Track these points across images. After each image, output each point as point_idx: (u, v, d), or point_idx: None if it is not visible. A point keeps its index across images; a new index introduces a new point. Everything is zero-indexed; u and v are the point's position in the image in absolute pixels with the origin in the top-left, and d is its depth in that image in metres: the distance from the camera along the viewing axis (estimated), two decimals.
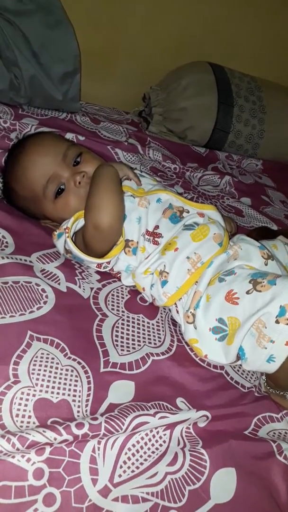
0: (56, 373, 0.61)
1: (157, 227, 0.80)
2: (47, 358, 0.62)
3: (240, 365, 0.74)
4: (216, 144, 1.52)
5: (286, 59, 1.78)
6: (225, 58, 1.60)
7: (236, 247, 0.79)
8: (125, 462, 0.56)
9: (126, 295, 0.80)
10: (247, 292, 0.69)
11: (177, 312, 0.77)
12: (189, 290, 0.76)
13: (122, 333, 0.72)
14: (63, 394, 0.60)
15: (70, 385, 0.61)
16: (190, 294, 0.75)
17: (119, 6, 1.45)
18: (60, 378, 0.61)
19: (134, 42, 1.54)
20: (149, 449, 0.58)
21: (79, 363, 0.64)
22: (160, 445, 0.59)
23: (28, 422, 0.55)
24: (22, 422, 0.55)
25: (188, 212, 0.83)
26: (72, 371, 0.63)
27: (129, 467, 0.56)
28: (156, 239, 0.80)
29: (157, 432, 0.60)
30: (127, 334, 0.72)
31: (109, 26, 1.48)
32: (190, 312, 0.74)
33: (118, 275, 0.82)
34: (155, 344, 0.73)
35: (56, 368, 0.62)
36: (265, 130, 1.54)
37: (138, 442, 0.58)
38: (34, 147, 0.84)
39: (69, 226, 0.77)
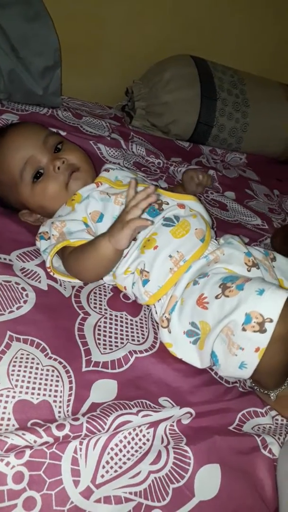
0: (36, 373, 0.60)
1: None
2: (27, 358, 0.61)
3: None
4: (199, 138, 1.51)
5: (268, 52, 1.77)
6: (207, 52, 1.58)
7: (218, 252, 0.77)
8: (107, 462, 0.55)
9: (109, 293, 0.79)
10: (216, 297, 0.67)
11: (156, 312, 0.77)
12: (169, 291, 0.75)
13: (105, 331, 0.71)
14: (44, 395, 0.59)
15: (51, 385, 0.60)
16: (169, 296, 0.74)
17: (101, 0, 1.42)
18: (41, 379, 0.60)
19: (116, 36, 1.52)
20: (132, 448, 0.57)
21: (60, 362, 0.63)
22: (144, 443, 0.59)
23: (8, 425, 0.54)
24: (1, 425, 0.54)
25: (167, 204, 0.81)
26: (53, 371, 0.62)
27: (111, 467, 0.55)
28: None
29: (140, 431, 0.59)
30: (110, 332, 0.72)
31: (91, 19, 1.45)
32: (165, 316, 0.73)
33: None
34: (138, 341, 0.73)
35: (37, 368, 0.61)
36: (249, 123, 1.53)
37: (121, 441, 0.57)
38: (14, 132, 0.84)
39: (49, 265, 0.75)
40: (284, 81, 1.71)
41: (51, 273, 0.76)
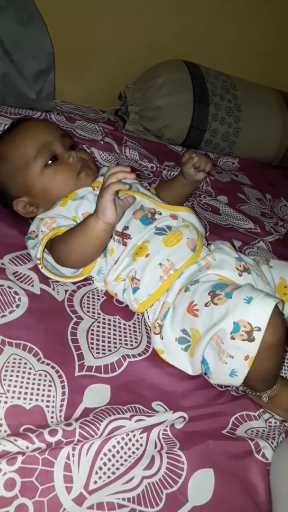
0: (29, 378, 0.60)
1: (126, 227, 0.79)
2: (19, 363, 0.61)
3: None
4: (192, 142, 1.51)
5: (260, 57, 1.79)
6: (200, 57, 1.59)
7: (209, 258, 0.77)
8: (100, 468, 0.55)
9: (102, 297, 0.79)
10: (205, 305, 0.67)
11: (149, 318, 0.77)
12: (161, 297, 0.74)
13: (98, 335, 0.71)
14: (36, 400, 0.58)
15: (43, 390, 0.59)
16: (161, 301, 0.74)
17: (93, 3, 1.43)
18: (33, 384, 0.60)
19: (110, 40, 1.52)
20: (125, 453, 0.57)
21: (53, 367, 0.63)
22: (137, 448, 0.58)
23: None
24: None
25: (160, 214, 0.81)
26: (45, 376, 0.61)
27: (104, 473, 0.54)
28: (124, 240, 0.78)
29: (134, 436, 0.59)
30: (103, 337, 0.71)
31: (84, 23, 1.45)
32: (157, 322, 0.72)
33: (91, 278, 0.81)
34: (131, 345, 0.72)
35: (29, 373, 0.60)
36: (241, 128, 1.54)
37: (114, 446, 0.57)
38: (36, 121, 0.91)
39: (39, 257, 0.74)
40: (275, 86, 1.73)
41: (40, 267, 0.74)
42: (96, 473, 0.54)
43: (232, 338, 0.61)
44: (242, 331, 0.61)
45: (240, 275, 0.74)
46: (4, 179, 0.82)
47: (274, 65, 1.83)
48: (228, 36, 1.69)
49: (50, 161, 0.81)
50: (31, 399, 0.58)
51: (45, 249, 0.76)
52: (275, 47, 1.80)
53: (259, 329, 0.60)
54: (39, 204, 0.82)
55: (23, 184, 0.81)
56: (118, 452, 0.57)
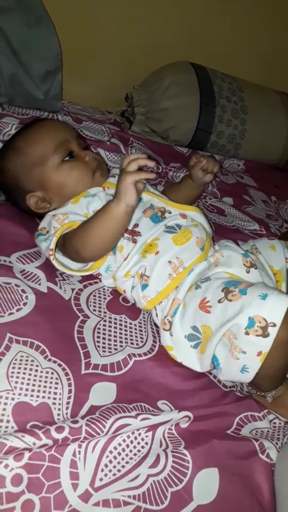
0: (36, 375, 0.60)
1: (136, 225, 0.80)
2: (26, 360, 0.61)
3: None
4: (198, 144, 1.52)
5: (266, 60, 1.79)
6: (207, 59, 1.60)
7: (218, 255, 0.78)
8: (106, 465, 0.55)
9: (108, 296, 0.79)
10: (219, 301, 0.68)
11: (157, 315, 0.77)
12: (170, 295, 0.75)
13: (104, 334, 0.71)
14: (43, 397, 0.58)
15: (50, 387, 0.60)
16: (170, 299, 0.75)
17: (100, 4, 1.44)
18: (40, 381, 0.60)
19: (116, 42, 1.53)
20: (130, 451, 0.57)
21: (59, 365, 0.63)
22: (142, 447, 0.59)
23: (7, 427, 0.54)
24: (0, 427, 0.54)
25: (170, 213, 0.82)
26: (52, 373, 0.62)
27: (110, 470, 0.55)
28: (134, 237, 0.79)
29: (139, 434, 0.59)
30: (109, 335, 0.72)
31: (91, 25, 1.46)
32: (167, 319, 0.73)
33: (99, 276, 0.81)
34: (137, 344, 0.73)
35: (36, 370, 0.61)
36: (247, 130, 1.55)
37: (119, 444, 0.57)
38: (55, 120, 0.96)
39: (52, 247, 0.74)
40: (279, 89, 1.73)
41: (51, 258, 0.74)
42: (102, 470, 0.54)
43: (247, 333, 0.62)
44: (257, 326, 0.62)
45: (248, 272, 0.75)
46: (20, 172, 0.82)
47: (278, 68, 1.84)
48: (233, 38, 1.69)
49: (67, 158, 0.82)
50: (38, 396, 0.58)
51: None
52: (279, 51, 1.80)
53: (274, 325, 0.61)
54: (52, 199, 0.83)
55: (38, 178, 0.81)
56: (123, 450, 0.57)
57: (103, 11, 1.46)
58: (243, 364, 0.65)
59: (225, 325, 0.65)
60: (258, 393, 0.71)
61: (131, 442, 0.58)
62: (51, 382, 0.60)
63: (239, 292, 0.66)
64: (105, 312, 0.75)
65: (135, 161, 0.69)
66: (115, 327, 0.73)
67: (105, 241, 0.75)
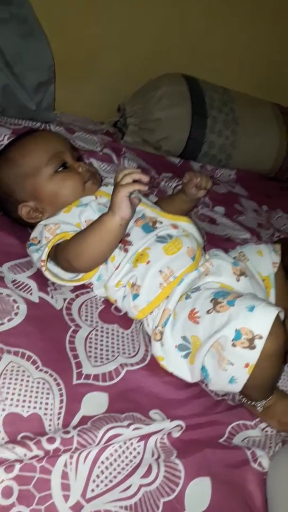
0: (27, 386, 0.60)
1: (128, 234, 0.80)
2: (17, 371, 0.61)
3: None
4: (190, 154, 1.53)
5: (257, 72, 1.82)
6: (198, 70, 1.62)
7: (207, 264, 0.78)
8: (98, 476, 0.55)
9: (100, 305, 0.79)
10: (207, 312, 0.68)
11: (148, 325, 0.77)
12: (161, 304, 0.75)
13: (96, 343, 0.71)
14: (34, 407, 0.58)
15: (41, 398, 0.60)
16: (161, 309, 0.75)
17: (94, 16, 1.46)
18: (31, 391, 0.60)
19: (108, 54, 1.55)
20: (122, 461, 0.57)
21: (51, 375, 0.63)
22: (134, 457, 0.58)
23: None
24: None
25: (161, 223, 0.82)
26: (43, 383, 0.61)
27: (102, 481, 0.54)
28: (126, 246, 0.79)
29: (131, 444, 0.59)
30: (101, 345, 0.72)
31: (84, 36, 1.48)
32: (158, 329, 0.73)
33: (90, 285, 0.81)
34: (129, 354, 0.73)
35: (27, 381, 0.61)
36: (238, 141, 1.57)
37: (111, 455, 0.57)
38: (49, 131, 1.05)
39: (44, 259, 0.74)
40: (271, 100, 1.76)
41: (43, 269, 0.75)
42: (94, 481, 0.54)
43: (234, 345, 0.62)
44: (244, 338, 0.61)
45: (238, 280, 0.76)
46: (12, 182, 0.82)
47: (270, 79, 1.87)
48: (226, 50, 1.72)
49: (60, 168, 0.83)
50: (29, 407, 0.58)
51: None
52: (271, 62, 1.83)
53: (261, 337, 0.61)
54: (45, 209, 0.83)
55: (31, 188, 0.82)
56: (115, 460, 0.57)
57: (98, 24, 1.48)
58: (231, 375, 0.65)
59: (213, 336, 0.64)
60: (249, 402, 0.72)
61: (123, 452, 0.58)
62: (42, 393, 0.60)
63: (227, 303, 0.66)
64: (97, 322, 0.75)
65: (129, 175, 0.70)
66: (107, 337, 0.73)
67: (99, 253, 0.75)
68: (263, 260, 0.86)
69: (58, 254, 0.76)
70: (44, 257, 0.74)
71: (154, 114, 1.47)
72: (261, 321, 0.62)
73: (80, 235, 0.74)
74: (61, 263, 0.77)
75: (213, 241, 1.10)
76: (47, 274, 0.75)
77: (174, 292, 0.74)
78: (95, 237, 0.72)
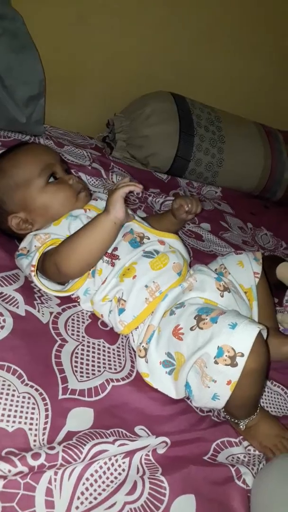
0: (12, 400, 0.59)
1: (115, 249, 0.81)
2: (3, 385, 0.60)
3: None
4: (177, 171, 1.56)
5: (244, 92, 1.87)
6: (187, 89, 1.66)
7: (191, 279, 0.79)
8: (82, 493, 0.54)
9: (87, 320, 0.79)
10: (191, 329, 0.68)
11: (134, 341, 0.77)
12: (146, 320, 0.75)
13: (82, 358, 0.71)
14: (19, 422, 0.58)
15: (27, 413, 0.59)
16: (146, 324, 0.75)
17: (85, 33, 1.48)
18: (17, 406, 0.59)
19: (100, 70, 1.57)
20: (107, 478, 0.57)
21: (36, 390, 0.62)
22: (119, 473, 0.58)
23: None
24: None
25: (148, 239, 0.83)
26: (29, 398, 0.61)
27: (86, 498, 0.54)
28: (113, 260, 0.79)
29: (116, 460, 0.59)
30: (87, 360, 0.71)
31: (76, 52, 1.50)
32: (142, 346, 0.73)
33: (77, 299, 0.81)
34: (115, 369, 0.73)
35: (13, 395, 0.60)
36: (224, 159, 1.60)
37: (96, 471, 0.56)
38: (38, 144, 1.10)
39: (34, 263, 0.75)
40: (256, 120, 1.80)
41: (32, 274, 0.75)
42: (78, 498, 0.53)
43: (216, 362, 0.63)
44: (226, 356, 0.62)
45: (222, 296, 0.77)
46: (3, 193, 0.82)
47: (256, 100, 1.92)
48: (214, 72, 1.77)
49: (51, 180, 0.84)
50: (14, 422, 0.57)
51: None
52: (257, 84, 1.88)
53: (242, 355, 0.62)
54: (35, 221, 0.83)
55: (22, 199, 0.82)
56: (100, 477, 0.56)
57: (89, 41, 1.51)
58: (213, 392, 0.65)
59: (196, 353, 0.65)
60: (232, 419, 0.72)
61: (108, 468, 0.58)
62: (27, 407, 0.60)
63: (210, 320, 0.67)
64: (83, 336, 0.75)
65: (125, 185, 0.73)
66: (93, 352, 0.73)
67: (89, 253, 0.75)
68: (244, 271, 0.87)
69: (46, 261, 0.76)
70: (35, 261, 0.74)
71: (142, 131, 1.49)
72: (243, 338, 0.62)
73: (72, 236, 0.75)
74: (49, 270, 0.76)
75: (199, 257, 1.12)
76: (35, 280, 0.75)
77: (158, 308, 0.75)
78: (88, 235, 0.74)
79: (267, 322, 0.82)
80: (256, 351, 0.62)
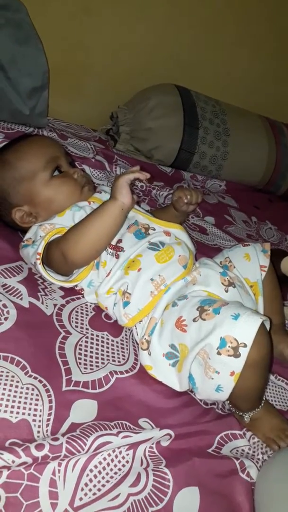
0: (16, 392, 0.59)
1: (120, 240, 0.80)
2: (6, 376, 0.60)
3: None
4: (181, 164, 1.55)
5: (248, 85, 1.86)
6: (191, 82, 1.64)
7: (195, 273, 0.78)
8: (86, 485, 0.54)
9: (91, 312, 0.79)
10: (194, 320, 0.68)
11: (137, 334, 0.77)
12: (150, 313, 0.75)
13: (86, 350, 0.71)
14: (23, 413, 0.57)
15: (30, 404, 0.59)
16: (149, 317, 0.75)
17: (88, 25, 1.47)
18: (20, 397, 0.59)
19: (102, 63, 1.56)
20: (111, 470, 0.57)
21: (40, 381, 0.62)
22: (123, 465, 0.58)
23: None
24: None
25: (154, 229, 0.83)
26: (33, 389, 0.61)
27: (90, 490, 0.54)
28: (118, 252, 0.79)
29: (120, 452, 0.59)
30: (91, 352, 0.71)
31: (78, 45, 1.49)
32: (145, 338, 0.73)
33: (81, 291, 0.81)
34: (119, 362, 0.72)
35: (16, 386, 0.60)
36: (229, 152, 1.59)
37: (100, 463, 0.56)
38: (44, 137, 1.05)
39: (40, 251, 0.74)
40: (260, 113, 1.79)
41: (38, 262, 0.74)
42: (82, 489, 0.53)
43: (219, 353, 0.62)
44: (229, 346, 0.62)
45: (227, 291, 0.76)
46: (7, 185, 0.82)
47: (259, 93, 1.90)
48: (219, 63, 1.75)
49: (56, 173, 0.83)
50: (17, 413, 0.57)
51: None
52: (261, 77, 1.87)
53: (245, 346, 0.61)
54: (39, 214, 0.83)
55: (27, 192, 0.81)
56: (104, 468, 0.56)
57: (93, 33, 1.49)
58: (217, 384, 0.65)
59: (199, 344, 0.65)
60: (237, 412, 0.72)
61: (112, 460, 0.57)
62: (31, 399, 0.59)
63: (213, 311, 0.66)
64: (87, 329, 0.75)
65: (131, 170, 0.74)
66: (97, 344, 0.73)
67: (97, 239, 0.75)
68: (251, 265, 0.86)
69: (52, 249, 0.75)
70: (41, 249, 0.74)
71: (146, 123, 1.48)
72: (246, 329, 0.62)
73: (80, 222, 0.75)
74: (54, 259, 0.76)
75: (203, 250, 1.11)
76: (40, 268, 0.75)
77: (160, 300, 0.74)
78: (96, 221, 0.73)
79: (274, 317, 0.82)
80: (259, 342, 0.62)
